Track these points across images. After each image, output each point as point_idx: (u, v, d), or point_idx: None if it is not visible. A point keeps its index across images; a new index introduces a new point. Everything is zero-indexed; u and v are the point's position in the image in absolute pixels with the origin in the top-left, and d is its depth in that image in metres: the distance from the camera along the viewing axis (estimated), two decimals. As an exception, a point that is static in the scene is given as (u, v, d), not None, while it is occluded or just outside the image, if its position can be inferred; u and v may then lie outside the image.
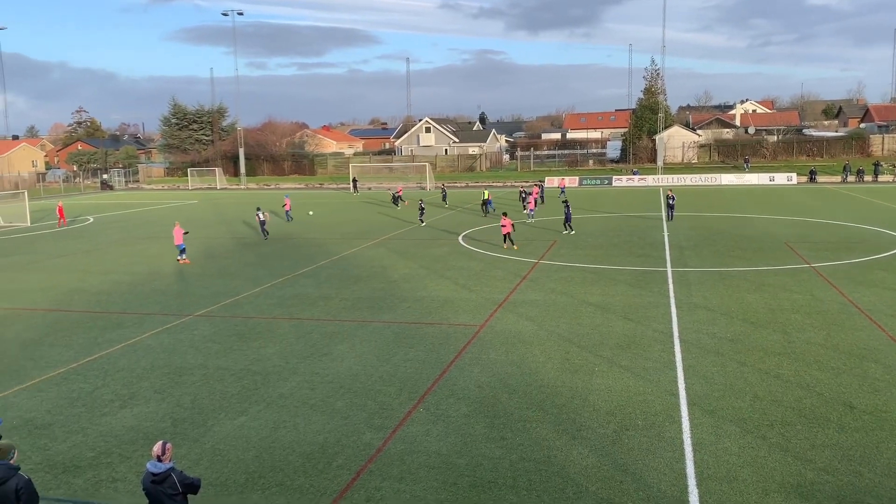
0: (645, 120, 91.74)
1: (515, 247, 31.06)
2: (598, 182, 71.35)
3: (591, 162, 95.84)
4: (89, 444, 12.06)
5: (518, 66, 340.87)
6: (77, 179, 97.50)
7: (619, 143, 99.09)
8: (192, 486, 7.95)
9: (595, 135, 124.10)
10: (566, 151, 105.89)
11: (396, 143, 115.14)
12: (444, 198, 55.36)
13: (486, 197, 47.36)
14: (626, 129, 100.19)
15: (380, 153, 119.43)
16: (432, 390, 14.15)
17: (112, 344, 17.97)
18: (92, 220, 50.98)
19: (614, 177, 72.30)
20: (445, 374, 15.10)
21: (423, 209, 42.53)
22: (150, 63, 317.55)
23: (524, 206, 49.67)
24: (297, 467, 11.07)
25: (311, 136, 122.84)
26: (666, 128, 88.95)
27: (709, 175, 70.06)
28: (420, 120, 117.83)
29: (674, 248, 30.29)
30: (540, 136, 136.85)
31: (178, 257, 29.94)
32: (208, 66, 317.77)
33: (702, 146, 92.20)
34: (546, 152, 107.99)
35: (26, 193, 53.67)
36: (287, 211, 45.20)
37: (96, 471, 11.12)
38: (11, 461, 7.95)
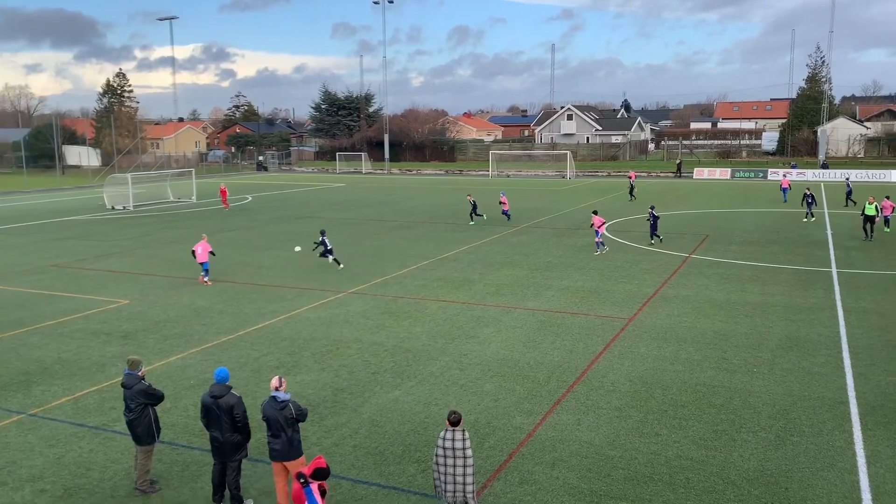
0: (806, 110, 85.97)
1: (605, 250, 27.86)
2: (752, 175, 67.61)
3: (744, 153, 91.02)
4: (256, 406, 12.92)
5: (662, 50, 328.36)
6: (235, 160, 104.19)
7: (775, 135, 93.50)
8: (303, 415, 9.23)
9: (749, 125, 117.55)
10: (717, 142, 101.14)
11: (536, 131, 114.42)
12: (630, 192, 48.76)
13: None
14: (784, 120, 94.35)
15: (519, 140, 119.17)
16: (581, 380, 14.04)
17: (275, 315, 19.15)
18: (250, 198, 54.34)
19: (769, 170, 68.22)
20: (594, 364, 14.93)
21: (475, 205, 37.43)
22: (298, 49, 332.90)
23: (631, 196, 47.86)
24: (450, 444, 11.33)
25: (451, 123, 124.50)
26: (829, 119, 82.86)
27: (877, 171, 64.55)
28: (561, 107, 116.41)
29: (838, 248, 28.24)
30: (688, 125, 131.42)
31: (206, 275, 23.49)
32: (357, 54, 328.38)
33: (870, 140, 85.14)
34: (695, 142, 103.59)
35: (193, 172, 57.99)
36: (505, 210, 38.13)
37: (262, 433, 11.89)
38: (140, 373, 10.01)
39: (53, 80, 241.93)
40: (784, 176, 55.74)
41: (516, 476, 10.29)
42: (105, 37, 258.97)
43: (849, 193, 43.75)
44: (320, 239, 25.22)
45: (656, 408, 12.64)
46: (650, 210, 30.12)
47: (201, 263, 23.27)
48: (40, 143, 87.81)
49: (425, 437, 11.55)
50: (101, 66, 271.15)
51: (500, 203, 38.40)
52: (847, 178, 50.53)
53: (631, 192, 48.71)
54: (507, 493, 9.88)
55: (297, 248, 25.73)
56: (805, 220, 36.46)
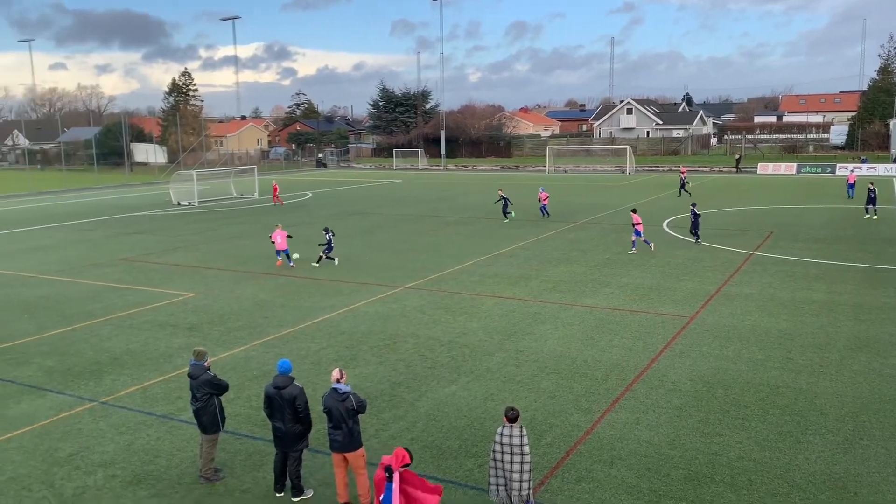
0: (878, 103, 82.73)
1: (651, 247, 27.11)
2: (819, 170, 65.44)
3: (811, 147, 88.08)
4: (317, 397, 13.16)
5: (725, 42, 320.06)
6: (296, 157, 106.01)
7: (844, 128, 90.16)
8: (363, 407, 9.42)
9: (816, 118, 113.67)
10: (782, 136, 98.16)
11: (595, 125, 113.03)
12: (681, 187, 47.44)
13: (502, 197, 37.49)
14: (853, 113, 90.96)
15: (576, 135, 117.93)
16: (640, 378, 13.85)
17: (333, 309, 19.45)
18: (310, 194, 55.25)
19: (838, 164, 65.89)
20: (654, 363, 14.70)
21: (506, 201, 36.73)
22: (358, 47, 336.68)
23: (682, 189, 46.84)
24: (507, 440, 11.34)
25: (508, 118, 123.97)
26: (904, 111, 79.52)
27: (956, 165, 61.66)
28: (620, 101, 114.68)
29: (913, 246, 27.12)
30: (752, 119, 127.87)
31: (287, 260, 25.30)
32: (415, 51, 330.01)
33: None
34: (759, 136, 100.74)
35: (255, 169, 59.34)
36: (544, 206, 37.88)
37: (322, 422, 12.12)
38: (206, 364, 10.25)
39: (122, 79, 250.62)
40: (852, 171, 53.70)
41: (573, 473, 10.23)
42: (171, 37, 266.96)
43: None
44: (327, 238, 25.50)
45: (718, 408, 12.38)
46: (692, 208, 29.18)
47: (282, 250, 25.23)
48: (110, 141, 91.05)
49: (482, 433, 11.58)
50: (167, 66, 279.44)
51: (539, 200, 37.61)
52: None
53: (683, 188, 47.52)
54: (564, 490, 9.83)
55: (296, 256, 25.06)
56: (867, 216, 35.01)
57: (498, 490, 8.43)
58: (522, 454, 8.31)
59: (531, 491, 8.44)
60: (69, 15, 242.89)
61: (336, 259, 25.74)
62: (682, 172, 50.84)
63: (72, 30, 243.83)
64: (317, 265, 25.36)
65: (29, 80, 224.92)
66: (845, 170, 62.53)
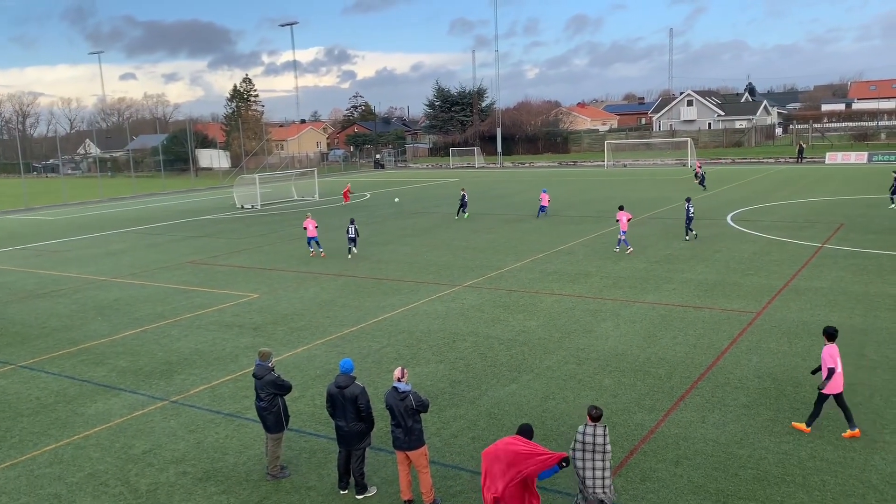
0: (956, 85, 78.62)
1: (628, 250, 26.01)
2: (893, 158, 62.75)
3: (883, 135, 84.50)
4: (379, 396, 13.32)
5: (794, 29, 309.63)
6: (354, 159, 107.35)
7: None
8: (424, 406, 9.42)
9: (888, 105, 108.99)
10: (852, 124, 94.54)
11: (654, 118, 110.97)
12: (701, 181, 47.22)
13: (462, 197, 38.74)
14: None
15: (635, 129, 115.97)
16: (706, 376, 13.55)
17: (393, 308, 19.64)
18: (369, 195, 55.87)
19: (913, 152, 63.08)
20: (719, 360, 14.37)
21: (463, 202, 38.16)
22: (416, 47, 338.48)
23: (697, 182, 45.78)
24: (568, 438, 11.20)
25: (564, 114, 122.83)
26: (984, 94, 75.55)
27: None
28: (680, 93, 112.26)
29: None
30: (819, 107, 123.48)
31: (317, 250, 28.18)
32: (473, 49, 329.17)
33: None
34: (827, 125, 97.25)
35: (315, 171, 60.31)
36: (543, 206, 37.90)
37: (385, 421, 12.26)
38: (270, 364, 10.45)
39: (188, 87, 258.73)
40: None
41: (638, 473, 10.08)
42: (235, 44, 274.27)
43: None
44: (354, 229, 27.78)
45: (787, 406, 12.01)
46: (686, 202, 28.36)
47: (312, 238, 27.73)
48: (176, 147, 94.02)
49: (543, 431, 11.52)
50: (231, 73, 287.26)
51: (540, 200, 37.57)
52: None
53: (702, 182, 46.56)
54: (628, 489, 9.70)
55: (396, 200, 27.83)
56: (892, 206, 33.85)
57: (580, 489, 8.34)
58: (605, 453, 8.22)
59: (612, 488, 8.34)
60: (140, 26, 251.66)
61: (351, 252, 27.83)
62: (698, 166, 50.03)
63: (142, 41, 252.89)
64: (353, 253, 27.76)
65: (99, 91, 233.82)
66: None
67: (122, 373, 15.49)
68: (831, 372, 10.67)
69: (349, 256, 27.44)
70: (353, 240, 27.66)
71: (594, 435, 8.25)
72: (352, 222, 28.05)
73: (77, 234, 39.71)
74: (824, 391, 10.81)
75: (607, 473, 8.23)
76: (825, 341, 10.91)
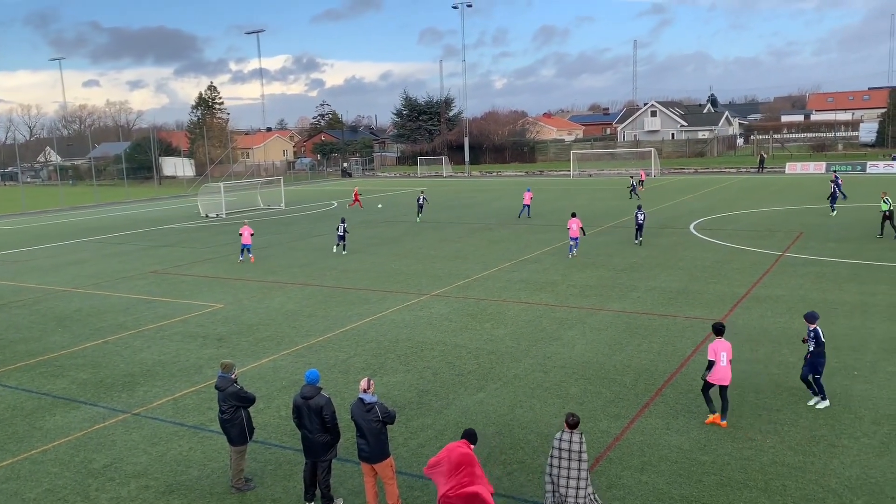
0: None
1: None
2: (849, 168, 64.35)
3: (840, 146, 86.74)
4: (346, 406, 13.23)
5: (755, 42, 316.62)
6: (321, 168, 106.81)
7: (874, 126, 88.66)
8: (390, 417, 9.35)
9: (845, 116, 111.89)
10: (810, 134, 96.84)
11: (619, 129, 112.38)
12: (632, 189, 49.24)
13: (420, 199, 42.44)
14: (883, 110, 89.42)
15: (600, 139, 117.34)
16: (670, 383, 13.72)
17: (361, 317, 19.55)
18: (335, 204, 55.60)
19: (869, 163, 64.76)
20: (683, 367, 14.57)
21: (421, 203, 41.81)
22: (385, 56, 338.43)
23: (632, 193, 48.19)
24: (535, 447, 11.31)
25: (531, 124, 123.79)
26: (936, 106, 78.01)
27: None
28: (645, 104, 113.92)
29: (948, 244, 26.54)
30: (779, 119, 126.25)
31: (246, 256, 29.54)
32: (442, 59, 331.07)
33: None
34: (786, 135, 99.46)
35: (282, 180, 59.93)
36: (526, 206, 40.61)
37: (352, 432, 12.18)
38: (232, 376, 10.39)
39: (153, 95, 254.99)
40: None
41: (604, 480, 10.15)
42: (203, 51, 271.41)
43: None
44: (339, 225, 30.48)
45: (749, 412, 12.22)
46: (637, 209, 29.94)
47: (245, 245, 29.11)
48: (139, 155, 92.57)
49: (511, 440, 11.55)
50: (198, 80, 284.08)
51: (524, 199, 40.43)
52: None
53: (633, 191, 48.98)
54: (594, 497, 9.76)
55: (379, 206, 30.04)
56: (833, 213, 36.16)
57: (555, 497, 8.37)
58: (580, 461, 8.28)
59: (595, 495, 8.44)
60: (105, 33, 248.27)
61: (346, 249, 30.38)
62: (642, 176, 52.76)
63: (107, 47, 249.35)
64: (344, 252, 30.11)
65: (61, 98, 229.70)
66: (876, 168, 61.61)
67: (82, 385, 15.17)
68: (710, 364, 11.73)
69: (335, 250, 30.60)
70: (341, 237, 30.25)
71: (570, 441, 8.31)
72: (342, 221, 30.74)
73: (37, 243, 38.86)
74: (707, 380, 11.87)
75: (582, 483, 8.27)
76: (713, 335, 12.00)
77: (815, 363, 12.26)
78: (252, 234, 29.62)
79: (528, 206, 40.17)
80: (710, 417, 11.87)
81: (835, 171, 50.34)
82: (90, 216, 54.38)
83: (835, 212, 36.17)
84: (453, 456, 8.26)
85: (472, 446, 8.52)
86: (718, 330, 12.00)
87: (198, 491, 10.47)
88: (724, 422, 11.73)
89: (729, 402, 11.90)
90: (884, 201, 28.96)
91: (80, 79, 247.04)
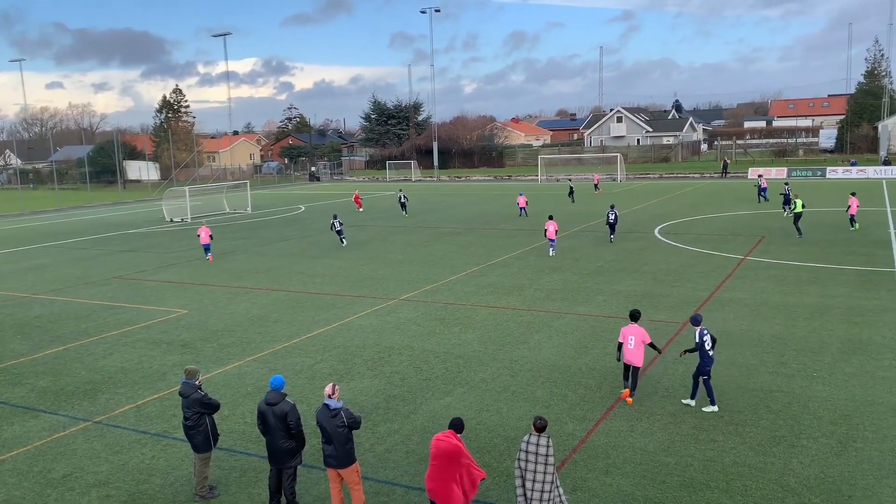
0: (865, 106, 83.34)
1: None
2: (810, 173, 65.76)
3: (800, 152, 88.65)
4: (312, 412, 13.15)
5: (721, 48, 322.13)
6: (288, 171, 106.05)
7: (833, 132, 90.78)
8: (356, 423, 9.29)
9: (805, 122, 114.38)
10: (772, 140, 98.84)
11: (585, 134, 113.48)
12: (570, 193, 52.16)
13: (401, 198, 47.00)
14: (842, 117, 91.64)
15: (567, 144, 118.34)
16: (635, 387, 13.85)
17: (328, 322, 19.45)
18: (303, 208, 55.24)
19: (828, 168, 66.26)
20: (647, 370, 14.74)
21: (403, 202, 46.02)
22: (355, 60, 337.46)
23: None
24: (502, 450, 11.36)
25: (499, 129, 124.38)
26: (891, 114, 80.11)
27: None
28: (611, 110, 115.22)
29: (904, 248, 27.27)
30: (742, 125, 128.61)
31: (207, 255, 30.73)
32: (412, 63, 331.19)
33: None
34: (749, 141, 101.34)
35: (248, 184, 59.30)
36: (522, 208, 43.02)
37: (317, 438, 12.12)
38: (197, 382, 10.26)
39: (118, 98, 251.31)
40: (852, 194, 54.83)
41: (569, 483, 10.23)
42: (171, 54, 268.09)
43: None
44: (333, 221, 32.80)
45: (711, 414, 12.41)
46: (610, 208, 31.66)
47: (205, 245, 30.15)
48: (102, 159, 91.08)
49: (477, 443, 11.58)
50: (164, 83, 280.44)
51: (518, 203, 43.03)
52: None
53: (571, 194, 51.75)
54: (559, 499, 9.82)
55: (360, 210, 33.22)
56: (785, 214, 37.76)
57: (526, 499, 8.42)
58: (546, 464, 8.33)
59: (564, 498, 8.53)
60: (70, 34, 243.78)
61: (342, 239, 32.99)
62: (596, 180, 54.70)
63: (72, 49, 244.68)
64: (344, 244, 32.72)
65: (22, 100, 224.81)
66: (836, 173, 63.08)
67: (42, 393, 14.86)
68: (620, 346, 13.24)
69: (344, 244, 32.89)
70: (339, 231, 32.68)
71: (538, 445, 8.37)
72: (335, 217, 33.03)
73: (-5, 248, 37.96)
74: (620, 360, 13.37)
75: (548, 487, 8.32)
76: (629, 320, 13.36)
77: (701, 364, 12.66)
78: (211, 236, 30.65)
79: (524, 207, 42.88)
80: (623, 393, 13.22)
81: (760, 175, 52.02)
82: (52, 221, 53.30)
83: (786, 213, 37.44)
84: (440, 448, 8.51)
85: (458, 436, 8.58)
86: (633, 316, 13.41)
87: (161, 500, 10.32)
88: (631, 399, 13.00)
89: (638, 383, 13.19)
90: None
91: (43, 81, 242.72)
